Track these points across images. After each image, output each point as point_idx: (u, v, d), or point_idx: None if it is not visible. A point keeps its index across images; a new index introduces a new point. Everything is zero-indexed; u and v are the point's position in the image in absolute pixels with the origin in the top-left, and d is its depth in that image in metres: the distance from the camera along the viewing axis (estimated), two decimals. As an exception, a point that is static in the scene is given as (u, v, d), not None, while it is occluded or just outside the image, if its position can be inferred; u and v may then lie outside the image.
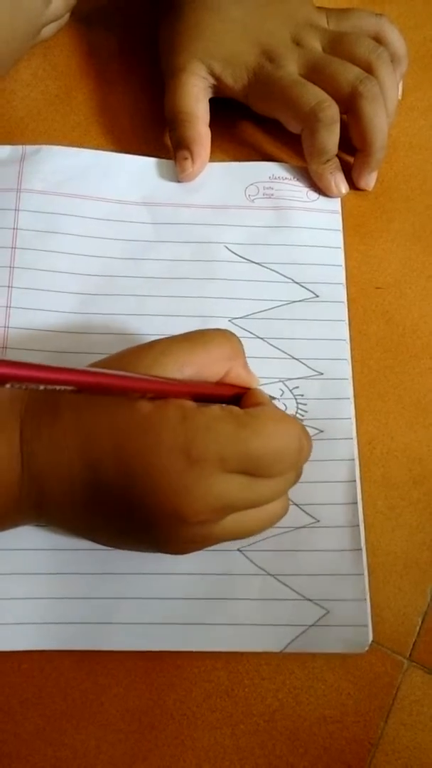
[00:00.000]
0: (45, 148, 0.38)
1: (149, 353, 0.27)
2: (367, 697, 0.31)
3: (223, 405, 0.28)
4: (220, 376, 0.29)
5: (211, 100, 0.40)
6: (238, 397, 0.29)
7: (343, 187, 0.39)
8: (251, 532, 0.29)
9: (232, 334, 0.30)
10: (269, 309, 0.36)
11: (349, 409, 0.35)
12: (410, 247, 0.39)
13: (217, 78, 0.39)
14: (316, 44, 0.39)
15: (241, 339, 0.35)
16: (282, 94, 0.38)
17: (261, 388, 0.30)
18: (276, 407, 0.29)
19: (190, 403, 0.27)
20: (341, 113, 0.38)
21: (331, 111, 0.37)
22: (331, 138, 0.38)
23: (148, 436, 0.26)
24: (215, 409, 0.27)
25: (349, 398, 0.35)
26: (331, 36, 0.39)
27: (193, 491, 0.25)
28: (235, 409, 0.27)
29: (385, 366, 0.37)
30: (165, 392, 0.27)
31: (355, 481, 0.33)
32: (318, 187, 0.39)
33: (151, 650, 0.31)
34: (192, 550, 0.28)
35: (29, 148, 0.38)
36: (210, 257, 0.37)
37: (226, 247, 0.37)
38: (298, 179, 0.39)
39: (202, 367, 0.28)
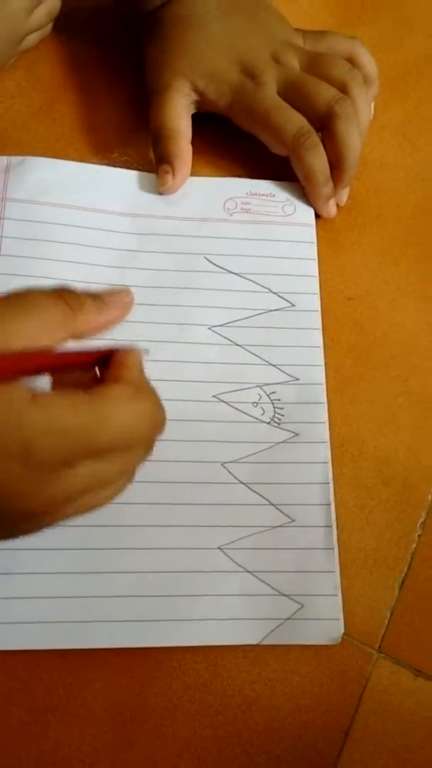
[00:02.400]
0: (30, 159, 0.39)
1: None
2: (339, 688, 0.33)
3: (64, 392, 0.24)
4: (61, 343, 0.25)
5: (193, 116, 0.41)
6: (105, 357, 0.26)
7: (334, 209, 0.41)
8: (97, 508, 0.26)
9: (64, 289, 0.25)
10: (247, 317, 0.38)
11: (323, 414, 0.36)
12: (380, 260, 0.41)
13: (200, 93, 0.40)
14: (294, 62, 0.41)
15: (220, 346, 0.37)
16: (264, 118, 0.40)
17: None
18: (137, 376, 0.25)
19: (19, 394, 0.22)
20: (316, 130, 0.40)
21: (312, 136, 0.39)
22: (318, 159, 0.40)
23: None
24: (54, 401, 0.23)
25: (323, 403, 0.37)
26: (308, 56, 0.41)
27: (37, 495, 0.23)
28: (75, 394, 0.23)
29: (357, 373, 0.38)
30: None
31: (328, 483, 0.35)
32: (314, 207, 0.41)
33: (132, 647, 0.32)
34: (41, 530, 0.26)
35: (14, 158, 0.39)
36: (191, 267, 0.38)
37: (206, 258, 0.39)
38: (275, 194, 0.41)
39: (32, 338, 0.24)
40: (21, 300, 0.24)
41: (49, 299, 0.25)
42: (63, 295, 0.25)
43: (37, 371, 0.24)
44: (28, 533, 0.26)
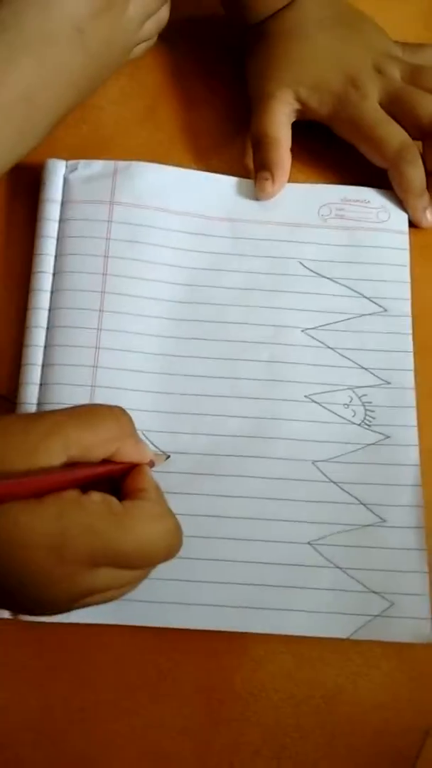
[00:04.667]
0: (135, 164, 0.41)
1: (33, 434, 0.27)
2: (421, 687, 0.33)
3: (104, 494, 0.27)
4: (108, 455, 0.28)
5: (292, 124, 0.42)
6: (127, 471, 0.29)
7: None
8: (104, 602, 0.29)
9: (123, 412, 0.29)
10: (340, 321, 0.39)
11: (413, 417, 0.37)
12: (472, 268, 0.42)
13: (302, 103, 0.41)
14: (396, 74, 0.42)
15: (313, 348, 0.38)
16: (367, 131, 0.41)
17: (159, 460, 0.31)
18: (157, 495, 0.29)
19: (70, 495, 0.26)
20: (418, 139, 0.41)
21: (414, 149, 0.40)
22: (418, 172, 0.40)
23: (21, 536, 0.25)
24: (95, 502, 0.27)
25: (412, 407, 0.37)
26: (409, 67, 0.42)
27: (60, 586, 0.26)
28: (114, 503, 0.27)
29: (445, 379, 0.39)
30: (45, 489, 0.26)
31: (419, 485, 0.35)
32: (412, 217, 0.41)
33: (225, 630, 0.33)
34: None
35: (120, 163, 0.41)
36: (285, 271, 0.40)
37: (300, 263, 0.40)
38: (369, 201, 0.41)
39: (88, 448, 0.27)
40: (86, 414, 0.28)
41: (109, 419, 0.28)
42: (121, 418, 0.29)
43: (78, 484, 0.27)
44: (48, 614, 0.29)
